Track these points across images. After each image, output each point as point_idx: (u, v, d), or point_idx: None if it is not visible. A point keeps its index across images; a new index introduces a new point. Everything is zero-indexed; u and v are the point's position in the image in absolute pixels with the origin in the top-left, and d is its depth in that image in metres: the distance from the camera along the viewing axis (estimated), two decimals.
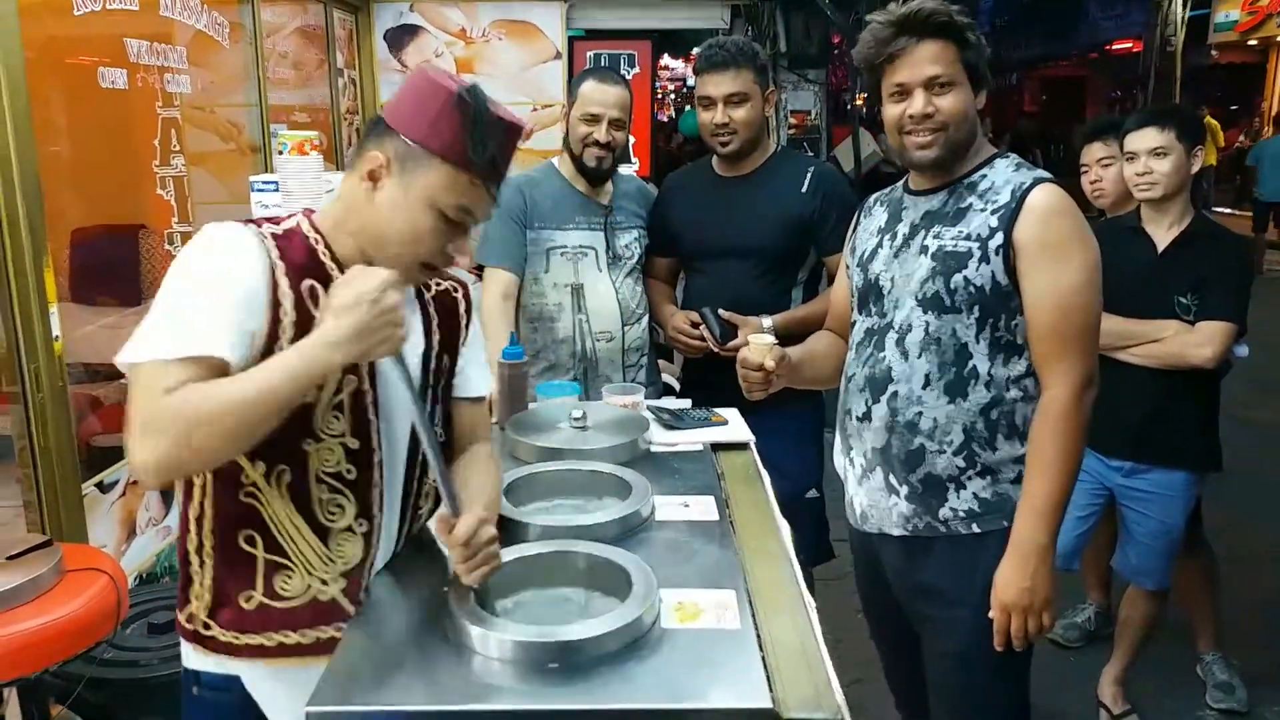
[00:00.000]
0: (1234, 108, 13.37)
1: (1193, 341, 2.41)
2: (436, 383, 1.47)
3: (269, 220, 1.34)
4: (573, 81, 2.57)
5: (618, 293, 2.53)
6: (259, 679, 1.36)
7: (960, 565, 1.70)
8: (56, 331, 2.26)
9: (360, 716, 1.11)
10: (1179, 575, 2.77)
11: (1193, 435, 2.54)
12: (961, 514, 1.68)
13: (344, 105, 4.37)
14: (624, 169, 2.73)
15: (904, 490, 1.71)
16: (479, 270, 2.53)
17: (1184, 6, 9.79)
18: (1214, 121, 10.82)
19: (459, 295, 1.53)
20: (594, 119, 2.43)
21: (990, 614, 1.64)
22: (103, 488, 2.57)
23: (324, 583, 1.35)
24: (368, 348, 1.19)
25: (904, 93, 1.64)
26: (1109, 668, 2.80)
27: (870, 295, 1.77)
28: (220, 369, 1.18)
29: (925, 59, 1.60)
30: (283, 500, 1.31)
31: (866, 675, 2.70)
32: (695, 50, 2.61)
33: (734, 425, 2.06)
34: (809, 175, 2.47)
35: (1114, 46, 12.92)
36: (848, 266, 1.88)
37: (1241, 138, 12.48)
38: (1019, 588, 1.60)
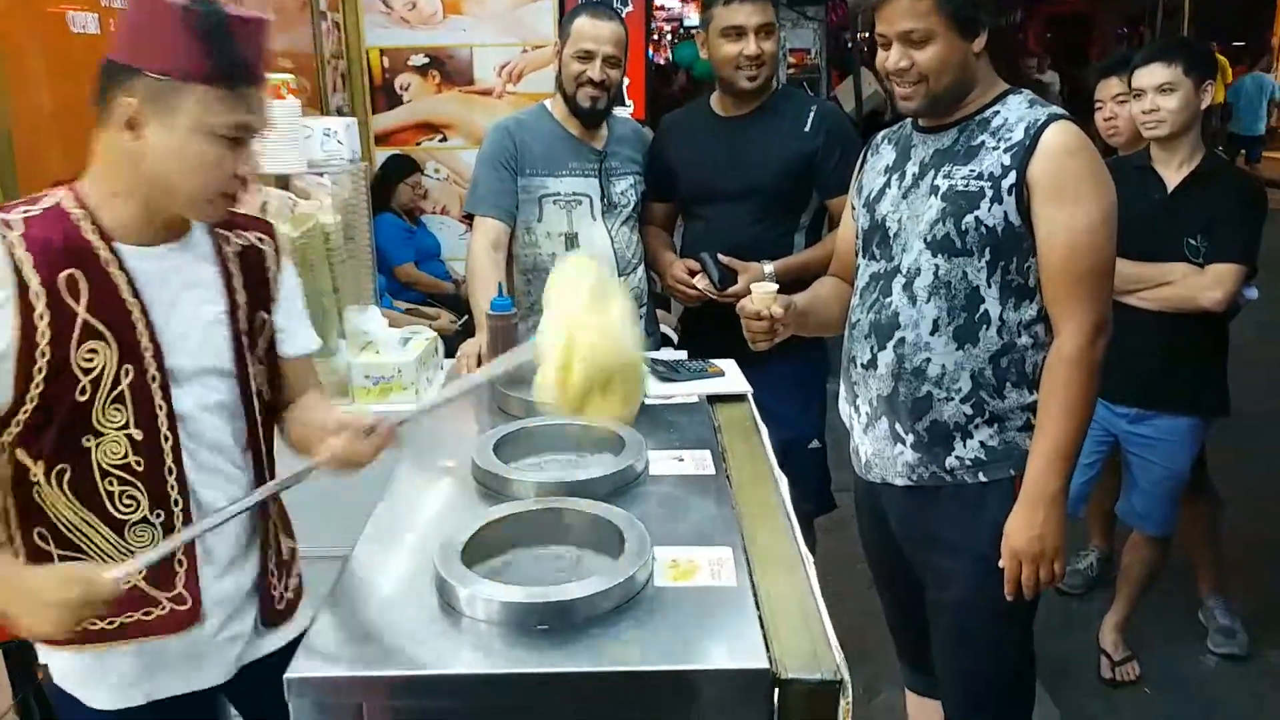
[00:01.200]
0: (1242, 43, 13.12)
1: (1202, 284, 2.36)
2: (251, 345, 1.37)
3: (24, 202, 1.22)
4: (564, 19, 2.47)
5: (614, 241, 2.46)
6: (67, 669, 1.32)
7: (966, 514, 1.66)
8: None
9: (341, 683, 1.08)
10: (1182, 520, 2.75)
11: (1200, 381, 2.49)
12: (968, 462, 1.64)
13: (328, 49, 4.24)
14: (619, 111, 2.64)
15: (910, 439, 1.67)
16: (469, 219, 2.46)
17: None
18: (1223, 58, 10.72)
19: (266, 248, 1.42)
20: (588, 55, 2.33)
21: (1000, 562, 1.60)
22: None
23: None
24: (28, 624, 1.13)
25: (885, 43, 1.59)
26: (1110, 614, 2.79)
27: (876, 237, 1.71)
28: None
29: (899, 12, 1.55)
30: (66, 499, 1.24)
31: (868, 624, 2.69)
32: None
33: (731, 376, 2.01)
34: (812, 114, 2.38)
35: None
36: (853, 207, 1.81)
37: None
38: (1029, 535, 1.57)
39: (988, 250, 1.57)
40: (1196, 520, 2.78)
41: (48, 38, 2.35)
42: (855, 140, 2.45)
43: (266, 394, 1.42)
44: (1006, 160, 1.55)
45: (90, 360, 1.20)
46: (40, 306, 1.17)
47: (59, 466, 1.23)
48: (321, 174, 2.14)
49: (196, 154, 1.18)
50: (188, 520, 1.30)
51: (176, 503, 1.29)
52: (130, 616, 1.28)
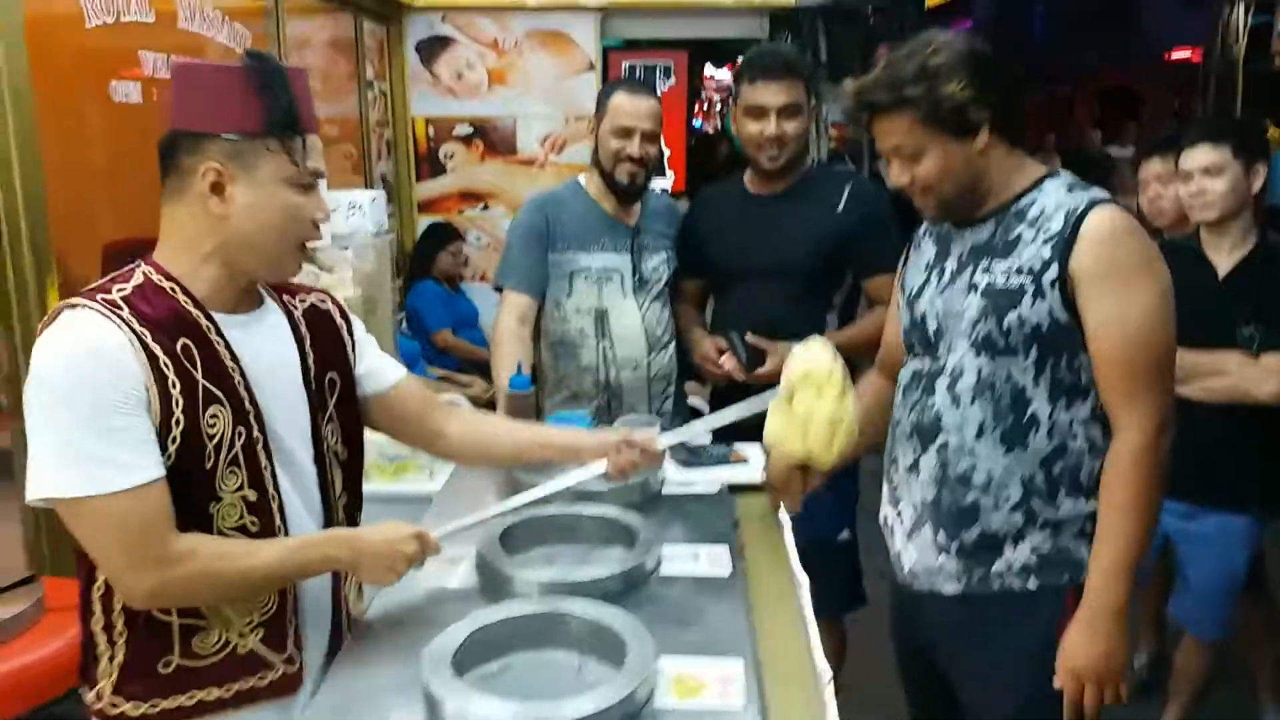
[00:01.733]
0: None
1: (1257, 376, 2.24)
2: (326, 402, 1.41)
3: (116, 281, 1.24)
4: (600, 94, 2.46)
5: (644, 318, 2.41)
6: None
7: (1013, 621, 1.55)
8: None
9: None
10: (1239, 622, 2.60)
11: (1256, 477, 2.36)
12: (1017, 569, 1.53)
13: (374, 117, 4.32)
14: (656, 182, 2.62)
15: (954, 547, 1.56)
16: (500, 289, 2.44)
17: (1246, 13, 9.44)
18: (1276, 130, 10.49)
19: (328, 306, 1.48)
20: (627, 132, 2.31)
21: (1056, 682, 1.48)
22: None
23: (241, 635, 1.28)
24: (372, 576, 1.32)
25: (888, 158, 1.57)
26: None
27: (917, 336, 1.64)
28: (163, 488, 1.18)
29: (886, 132, 1.52)
30: None
31: None
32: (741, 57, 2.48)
33: (755, 464, 1.93)
34: (846, 193, 2.33)
35: (1172, 55, 12.54)
36: (898, 305, 1.75)
37: None
38: (1091, 653, 1.44)
39: (1034, 348, 1.49)
40: (1253, 623, 2.62)
41: (90, 106, 2.39)
42: (890, 219, 2.39)
43: (342, 454, 1.44)
44: (1047, 253, 1.47)
45: (213, 425, 1.23)
46: (171, 375, 1.19)
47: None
48: (345, 247, 2.13)
49: (281, 205, 1.25)
50: None
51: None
52: (246, 683, 1.28)
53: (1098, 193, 1.52)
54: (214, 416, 1.23)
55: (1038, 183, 1.54)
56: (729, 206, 2.45)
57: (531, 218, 2.43)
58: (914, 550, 1.63)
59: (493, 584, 1.43)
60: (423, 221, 4.68)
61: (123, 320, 1.17)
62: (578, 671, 1.24)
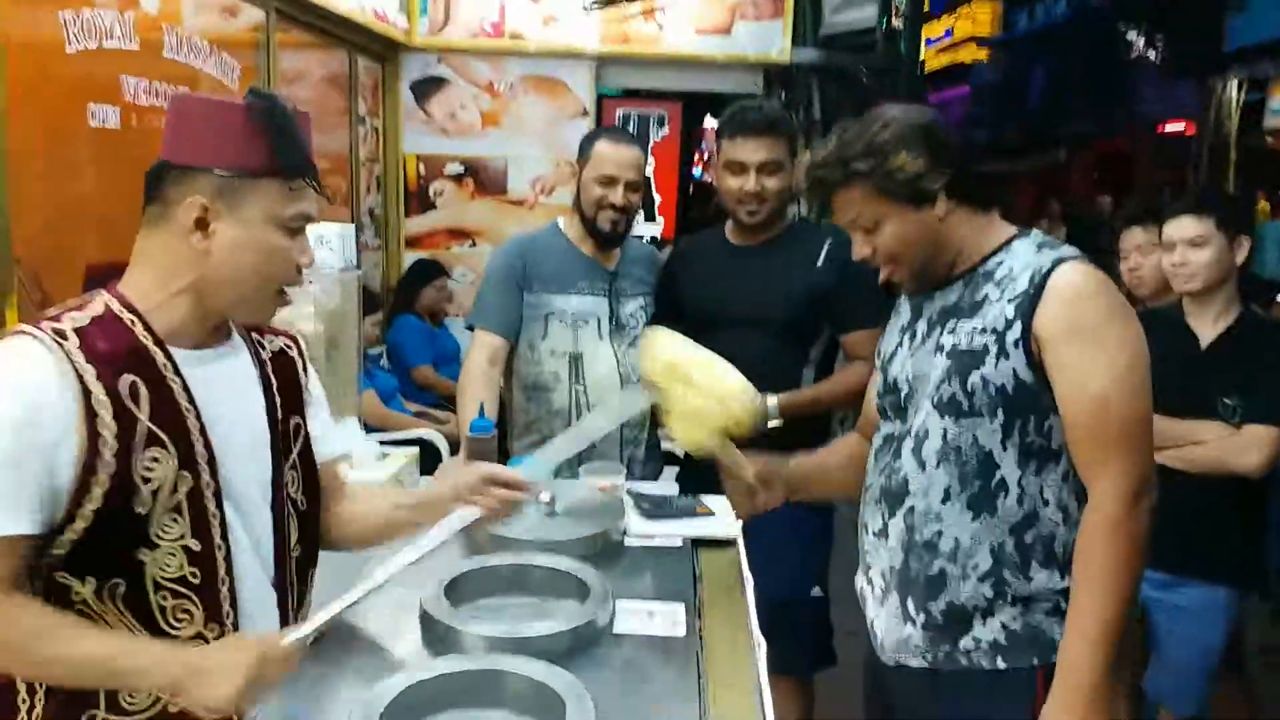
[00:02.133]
0: None
1: (1236, 447, 2.21)
2: (286, 451, 1.35)
3: (71, 310, 1.19)
4: (583, 141, 2.45)
5: (619, 363, 2.37)
6: None
7: (976, 703, 1.47)
8: None
9: None
10: (1216, 700, 2.53)
11: (1235, 549, 2.31)
12: (985, 645, 1.46)
13: (363, 152, 4.32)
14: (647, 228, 2.61)
15: (920, 619, 1.49)
16: (473, 329, 2.40)
17: (1239, 90, 9.58)
18: (1265, 203, 10.63)
19: (293, 353, 1.43)
20: (611, 181, 2.30)
21: None
22: None
23: None
24: (207, 699, 1.11)
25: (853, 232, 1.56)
26: None
27: (890, 400, 1.60)
28: (18, 546, 1.10)
29: (842, 206, 1.51)
30: (118, 614, 1.17)
31: None
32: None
33: (720, 518, 1.88)
34: (825, 248, 2.31)
35: (1166, 128, 12.70)
36: (876, 369, 1.71)
37: None
38: None
39: (1000, 411, 1.43)
40: (1234, 702, 2.55)
41: (64, 130, 2.37)
42: (870, 275, 2.36)
43: (302, 504, 1.38)
44: (1010, 312, 1.42)
45: (152, 469, 1.16)
46: (106, 415, 1.13)
47: (112, 581, 1.17)
48: (311, 281, 2.09)
49: (267, 246, 1.21)
50: (250, 629, 1.24)
51: (228, 615, 1.24)
52: None
53: (1068, 250, 1.47)
54: (154, 460, 1.16)
55: (1007, 243, 1.51)
56: (709, 255, 2.43)
57: (508, 259, 2.40)
58: (883, 620, 1.56)
59: (434, 637, 1.36)
60: (409, 256, 4.66)
61: (65, 354, 1.12)
62: None
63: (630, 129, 4.87)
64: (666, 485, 2.19)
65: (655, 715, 1.20)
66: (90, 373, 1.13)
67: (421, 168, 4.72)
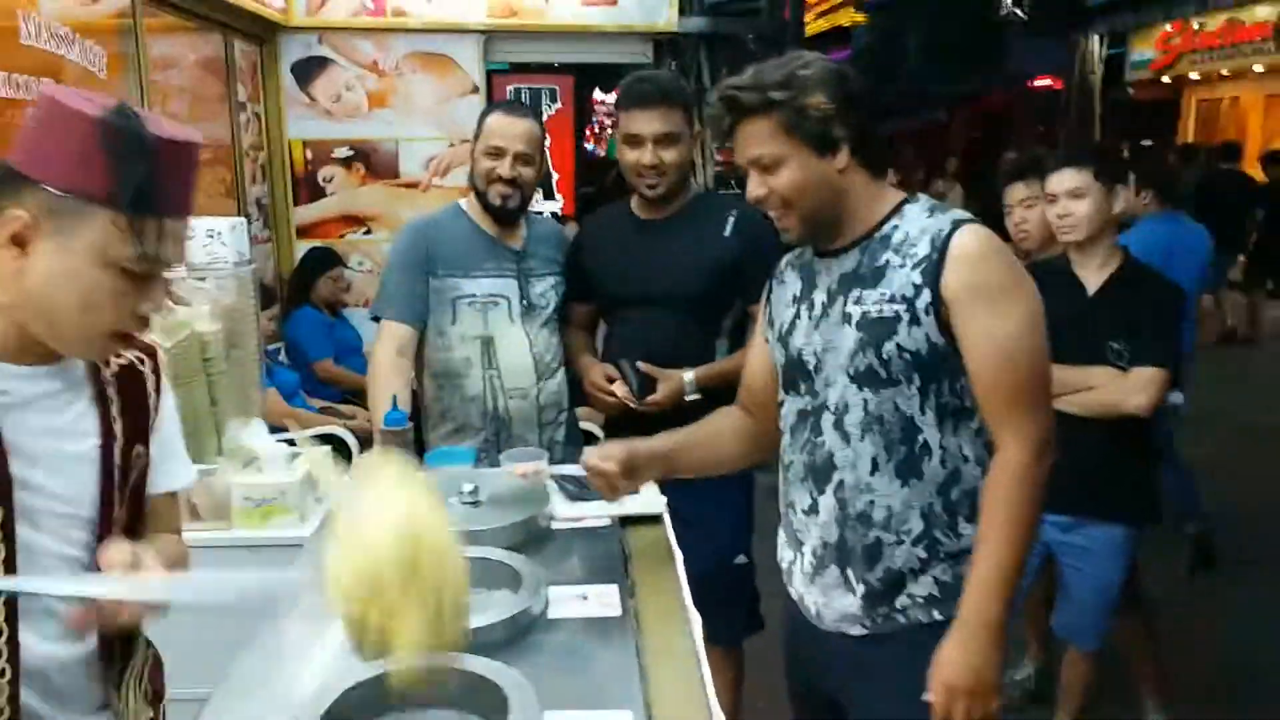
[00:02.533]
0: (1149, 143, 13.79)
1: (1126, 389, 2.33)
2: (123, 483, 1.20)
3: None
4: (480, 115, 2.40)
5: (532, 345, 2.35)
6: None
7: (915, 654, 1.51)
8: None
9: None
10: (1120, 633, 2.67)
11: (1130, 488, 2.44)
12: (920, 599, 1.52)
13: (247, 140, 4.14)
14: (548, 204, 2.57)
15: (860, 589, 1.53)
16: (378, 320, 2.34)
17: (1101, 45, 10.04)
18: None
19: (146, 369, 1.25)
20: (498, 152, 2.26)
21: (926, 695, 1.47)
22: None
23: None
24: None
25: (745, 172, 1.54)
26: None
27: (797, 373, 1.60)
28: None
29: (747, 138, 1.50)
30: None
31: None
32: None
33: (645, 495, 1.88)
34: (731, 219, 2.32)
35: (1035, 83, 13.22)
36: (765, 340, 1.72)
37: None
38: (964, 667, 1.43)
39: (916, 376, 1.47)
40: (1131, 633, 2.70)
41: None
42: (776, 245, 2.38)
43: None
44: (917, 278, 1.46)
45: None
46: None
47: None
48: (203, 278, 2.00)
49: (91, 285, 1.04)
50: (14, 690, 1.09)
51: (4, 673, 1.08)
52: None
53: (959, 213, 1.52)
54: None
55: (897, 208, 1.54)
56: (616, 232, 2.41)
57: (411, 243, 2.34)
58: (818, 592, 1.59)
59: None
60: (301, 246, 4.51)
61: None
62: None
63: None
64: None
65: (597, 697, 1.20)
66: None
67: (308, 153, 4.56)
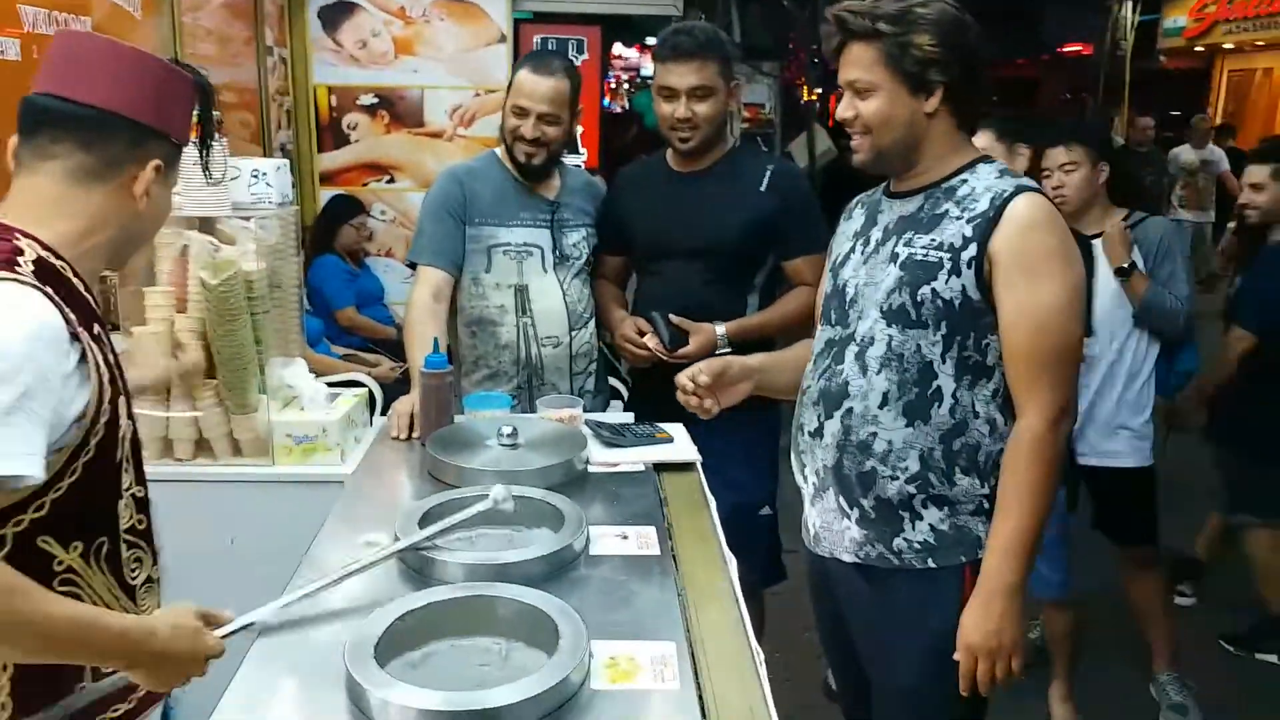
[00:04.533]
0: (1177, 113, 13.62)
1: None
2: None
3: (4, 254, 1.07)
4: (513, 67, 2.39)
5: (565, 295, 2.36)
6: None
7: (914, 601, 1.57)
8: None
9: None
10: (1132, 591, 2.73)
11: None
12: (916, 545, 1.55)
13: (273, 85, 4.12)
14: (571, 159, 2.56)
15: (855, 514, 1.58)
16: (413, 267, 2.35)
17: (1134, 11, 9.86)
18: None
19: None
20: (523, 112, 2.25)
21: (954, 655, 1.51)
22: None
23: None
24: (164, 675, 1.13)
25: (841, 92, 1.57)
26: (1053, 687, 2.75)
27: (834, 303, 1.64)
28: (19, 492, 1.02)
29: (850, 62, 1.53)
30: (103, 575, 1.16)
31: (818, 701, 2.59)
32: (651, 39, 2.44)
33: (680, 443, 1.91)
34: (768, 173, 2.32)
35: (1066, 49, 13.01)
36: (827, 271, 1.75)
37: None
38: (985, 630, 1.47)
39: (943, 324, 1.50)
40: (1145, 591, 2.74)
41: None
42: (812, 201, 2.39)
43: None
44: (969, 231, 1.48)
45: (120, 417, 1.16)
46: (96, 357, 1.11)
47: (99, 541, 1.15)
48: (248, 218, 2.01)
49: (169, 209, 1.30)
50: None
51: (157, 558, 1.27)
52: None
53: (1027, 181, 1.55)
54: (121, 408, 1.16)
55: (971, 165, 1.56)
56: (651, 184, 2.41)
57: (447, 190, 2.35)
58: (816, 515, 1.65)
59: (415, 568, 1.37)
60: (325, 194, 4.50)
61: (48, 298, 1.05)
62: (505, 658, 1.19)
63: None
64: (618, 415, 2.21)
65: (641, 629, 1.23)
66: (73, 319, 1.08)
67: (333, 100, 4.53)
